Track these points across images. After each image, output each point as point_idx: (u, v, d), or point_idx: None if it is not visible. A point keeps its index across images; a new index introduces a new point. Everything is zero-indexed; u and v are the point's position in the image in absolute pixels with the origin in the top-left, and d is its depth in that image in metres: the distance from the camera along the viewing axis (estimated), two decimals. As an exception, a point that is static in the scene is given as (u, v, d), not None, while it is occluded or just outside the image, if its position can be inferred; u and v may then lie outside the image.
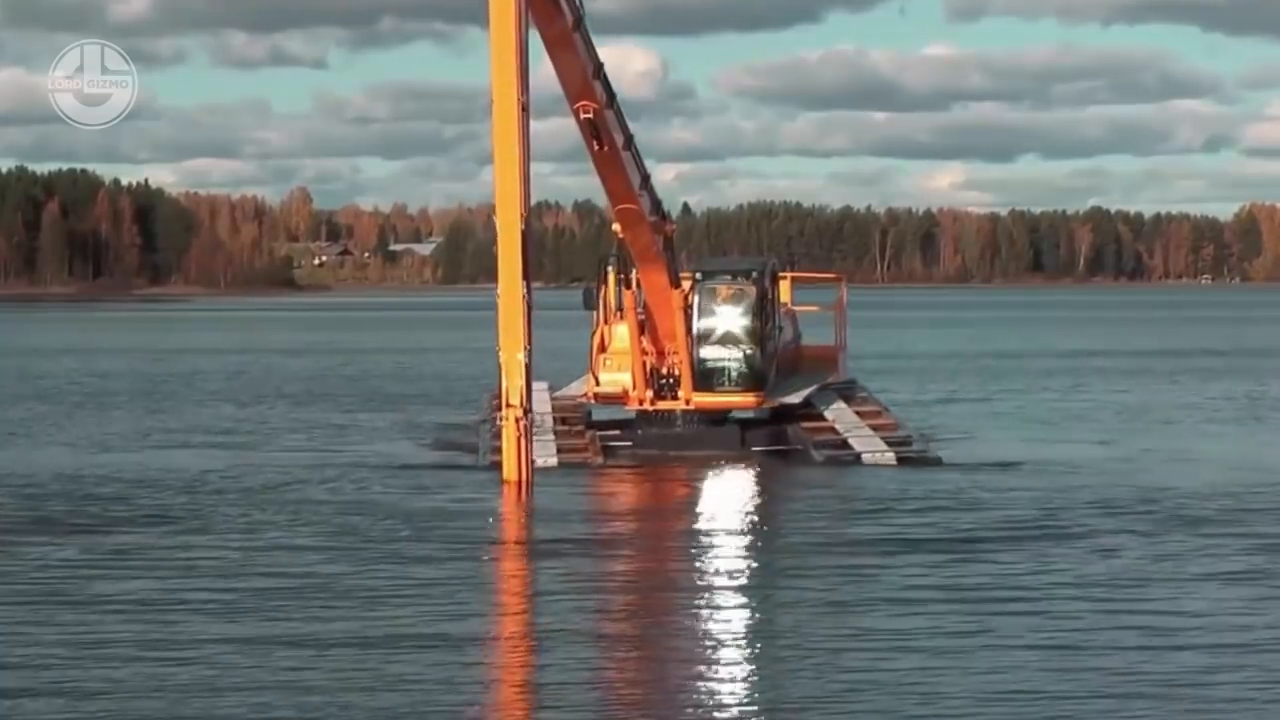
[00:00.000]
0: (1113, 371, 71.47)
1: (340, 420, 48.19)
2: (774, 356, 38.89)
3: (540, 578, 23.65)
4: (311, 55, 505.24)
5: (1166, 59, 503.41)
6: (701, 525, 28.75)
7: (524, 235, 30.48)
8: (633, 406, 38.39)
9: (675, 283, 37.87)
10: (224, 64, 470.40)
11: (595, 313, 39.05)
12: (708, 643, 19.35)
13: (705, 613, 20.96)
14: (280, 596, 21.67)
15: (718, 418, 38.44)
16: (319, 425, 46.65)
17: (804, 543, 26.49)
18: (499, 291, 30.89)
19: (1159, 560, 24.56)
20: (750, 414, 38.97)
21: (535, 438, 36.82)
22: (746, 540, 27.05)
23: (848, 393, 40.38)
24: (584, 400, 39.25)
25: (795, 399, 38.71)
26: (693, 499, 32.78)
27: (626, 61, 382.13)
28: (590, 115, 33.81)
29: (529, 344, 30.70)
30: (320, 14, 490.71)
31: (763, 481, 34.85)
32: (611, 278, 38.86)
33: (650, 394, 38.00)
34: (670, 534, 28.12)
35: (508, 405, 31.04)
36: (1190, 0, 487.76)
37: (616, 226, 37.20)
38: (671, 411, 38.08)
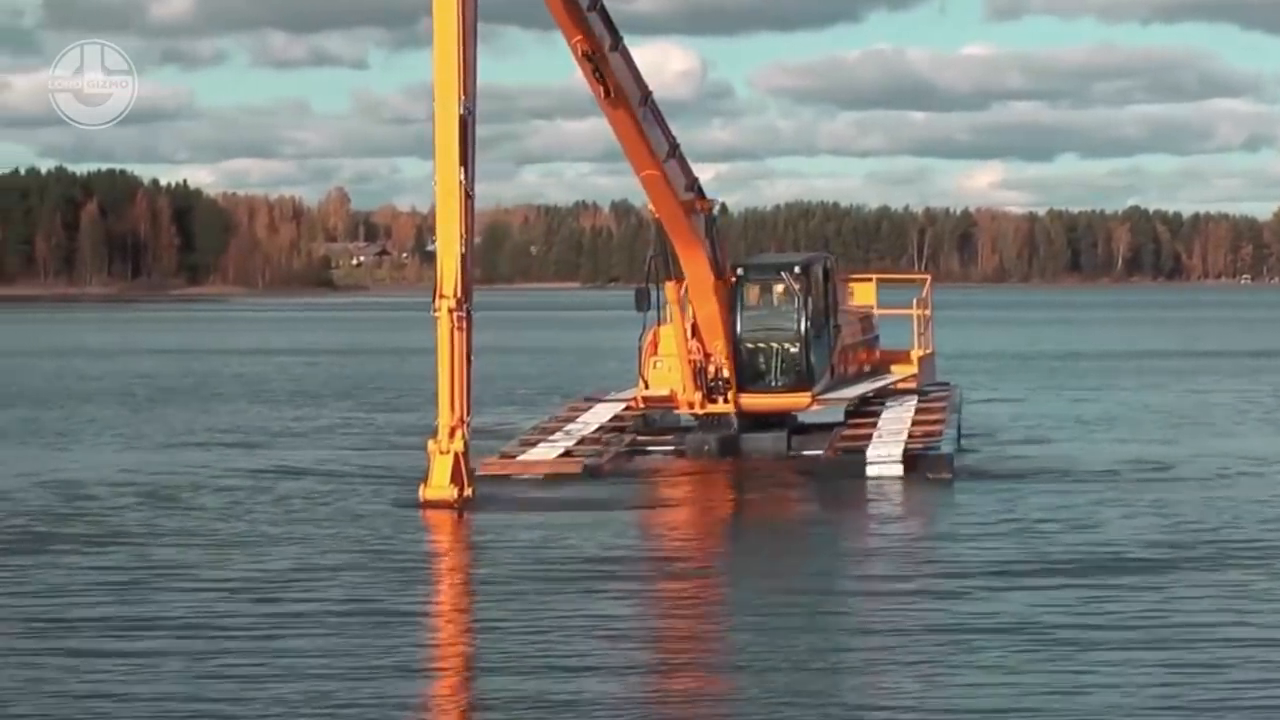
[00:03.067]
0: (1191, 371, 69.48)
1: (380, 421, 47.64)
2: (828, 355, 37.36)
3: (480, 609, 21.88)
4: (351, 55, 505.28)
5: (1205, 58, 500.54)
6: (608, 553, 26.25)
7: (463, 120, 29.92)
8: (683, 410, 36.86)
9: (719, 271, 36.07)
10: (264, 64, 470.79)
11: (645, 314, 36.65)
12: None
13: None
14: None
15: (773, 420, 36.65)
16: (356, 427, 46.12)
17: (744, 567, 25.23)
18: (435, 179, 30.18)
19: None
20: (812, 416, 37.23)
21: (551, 440, 35.72)
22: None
23: (924, 395, 38.16)
24: (636, 406, 37.52)
25: (847, 397, 37.13)
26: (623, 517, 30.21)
27: (665, 62, 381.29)
28: (589, 51, 32.07)
29: (466, 234, 29.80)
30: (361, 14, 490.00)
31: (744, 497, 32.95)
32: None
33: (700, 396, 36.24)
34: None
35: (440, 295, 29.71)
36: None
37: (651, 207, 35.38)
38: (725, 415, 36.27)
